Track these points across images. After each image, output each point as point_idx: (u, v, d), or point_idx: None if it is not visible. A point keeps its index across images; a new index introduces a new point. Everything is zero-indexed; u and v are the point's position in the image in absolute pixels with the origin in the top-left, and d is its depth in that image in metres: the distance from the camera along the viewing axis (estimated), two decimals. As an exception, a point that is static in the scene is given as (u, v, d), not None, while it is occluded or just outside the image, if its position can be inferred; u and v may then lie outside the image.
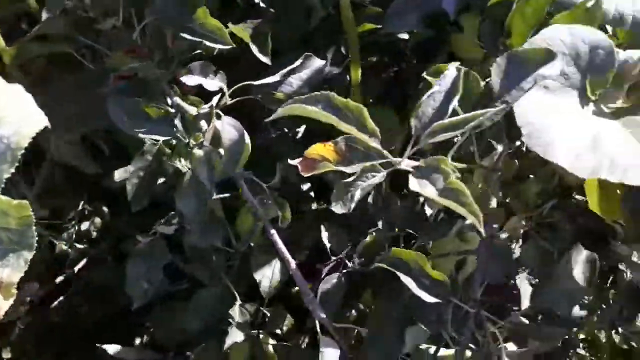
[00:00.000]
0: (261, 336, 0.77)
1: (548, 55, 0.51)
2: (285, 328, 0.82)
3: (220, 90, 0.63)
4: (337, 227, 0.70)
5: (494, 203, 0.62)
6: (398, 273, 0.51)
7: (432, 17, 0.76)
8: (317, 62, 0.68)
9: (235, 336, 0.65)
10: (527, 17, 0.61)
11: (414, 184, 0.43)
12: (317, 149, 0.49)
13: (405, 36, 0.88)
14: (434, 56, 0.88)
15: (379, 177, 0.45)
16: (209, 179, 0.56)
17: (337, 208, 0.45)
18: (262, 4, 0.83)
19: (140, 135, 0.60)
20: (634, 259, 0.77)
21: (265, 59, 0.73)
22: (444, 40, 0.84)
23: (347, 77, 0.88)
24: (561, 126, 0.55)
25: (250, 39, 0.74)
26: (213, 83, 0.62)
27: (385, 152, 0.45)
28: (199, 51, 0.74)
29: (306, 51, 0.82)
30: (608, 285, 0.81)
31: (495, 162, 0.61)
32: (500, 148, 0.61)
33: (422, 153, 0.48)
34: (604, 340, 0.95)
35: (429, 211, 0.68)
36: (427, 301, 0.50)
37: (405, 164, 0.45)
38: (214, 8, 0.77)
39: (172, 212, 0.68)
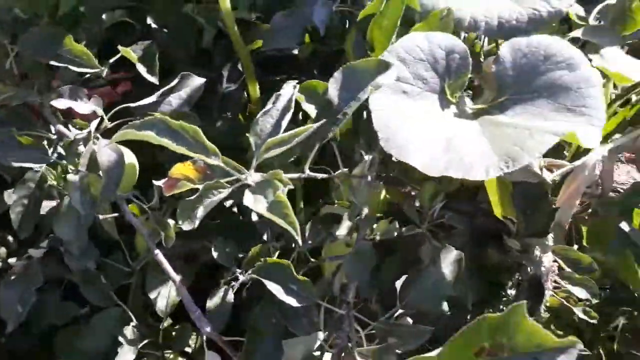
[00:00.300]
0: (170, 355, 0.78)
1: (382, 66, 0.54)
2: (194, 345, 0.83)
3: (94, 113, 0.64)
4: (229, 241, 0.71)
5: (368, 209, 0.64)
6: (264, 281, 0.53)
7: (310, 33, 0.79)
8: (196, 81, 0.70)
9: (125, 356, 0.66)
10: (384, 29, 0.65)
11: (248, 199, 0.45)
12: (179, 169, 0.51)
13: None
14: (333, 68, 0.91)
15: (225, 192, 0.47)
16: (81, 203, 0.57)
17: (185, 225, 0.46)
18: (154, 25, 0.85)
19: (13, 164, 0.60)
20: (537, 252, 0.82)
21: (153, 79, 0.75)
22: (338, 53, 0.88)
23: (245, 93, 0.90)
24: (417, 129, 0.58)
25: (139, 60, 0.76)
26: (85, 106, 0.62)
27: (228, 168, 0.47)
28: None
29: (202, 69, 0.84)
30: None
31: (365, 169, 0.64)
32: (367, 157, 0.64)
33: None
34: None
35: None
36: (294, 306, 0.52)
37: (252, 179, 0.47)
38: (100, 33, 0.79)
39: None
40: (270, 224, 0.67)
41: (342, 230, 0.63)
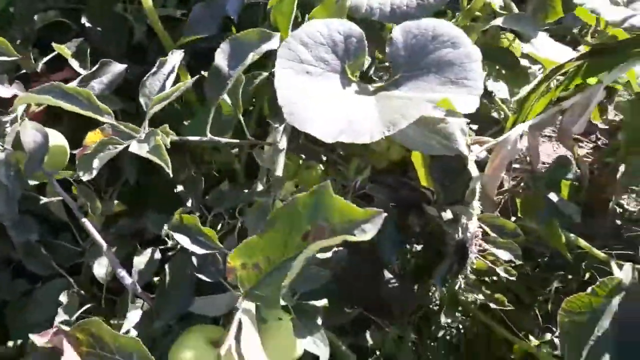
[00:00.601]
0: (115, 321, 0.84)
1: (264, 35, 0.61)
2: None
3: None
4: (166, 213, 0.78)
5: (279, 172, 0.71)
6: (174, 234, 0.60)
7: (235, 25, 0.86)
8: (117, 67, 0.76)
9: (61, 317, 0.71)
10: (284, 12, 0.72)
11: (134, 147, 0.52)
12: (90, 137, 0.58)
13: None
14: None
15: (120, 147, 0.54)
16: (6, 176, 0.63)
17: (85, 176, 0.53)
18: (88, 24, 0.92)
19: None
20: (463, 220, 0.89)
21: (84, 73, 0.82)
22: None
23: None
24: (319, 104, 0.65)
25: (72, 56, 0.83)
26: (6, 91, 0.69)
27: (121, 127, 0.55)
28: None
29: (136, 64, 0.91)
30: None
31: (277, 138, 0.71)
32: (279, 126, 0.71)
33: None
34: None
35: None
36: (200, 253, 0.59)
37: (145, 135, 0.55)
38: (33, 33, 0.87)
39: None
40: (192, 192, 0.75)
41: (257, 190, 0.70)
